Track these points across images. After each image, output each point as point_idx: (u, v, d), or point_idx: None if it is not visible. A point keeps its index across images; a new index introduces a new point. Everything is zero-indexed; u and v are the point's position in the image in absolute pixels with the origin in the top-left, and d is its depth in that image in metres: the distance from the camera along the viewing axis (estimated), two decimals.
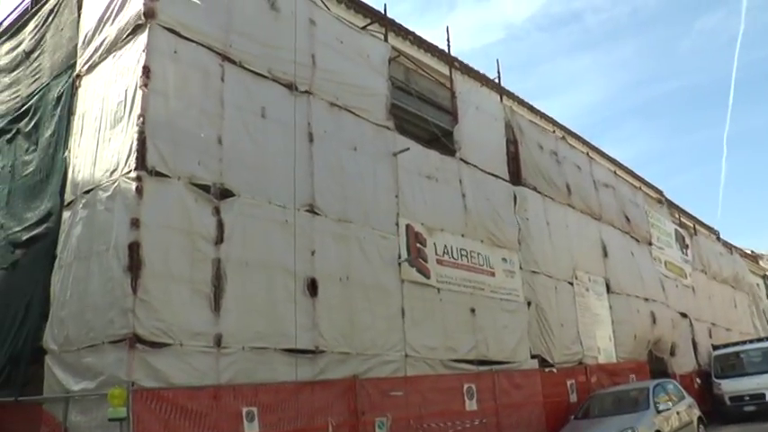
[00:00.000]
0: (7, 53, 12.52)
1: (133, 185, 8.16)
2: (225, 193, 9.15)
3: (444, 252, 12.99)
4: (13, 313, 9.37)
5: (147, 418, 7.10)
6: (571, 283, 17.02)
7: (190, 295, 8.32)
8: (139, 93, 8.52)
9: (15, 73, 12.10)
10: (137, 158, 8.25)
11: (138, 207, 8.06)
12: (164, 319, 7.92)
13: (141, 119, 8.37)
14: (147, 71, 8.58)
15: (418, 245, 12.35)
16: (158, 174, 8.40)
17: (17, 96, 11.75)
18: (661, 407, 13.09)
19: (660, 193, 28.79)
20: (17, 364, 8.92)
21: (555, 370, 14.87)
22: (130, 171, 8.27)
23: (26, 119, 11.05)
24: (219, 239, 8.88)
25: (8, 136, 11.40)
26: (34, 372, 8.63)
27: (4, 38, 12.85)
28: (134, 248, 7.87)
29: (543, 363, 14.73)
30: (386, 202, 11.96)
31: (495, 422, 12.21)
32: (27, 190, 10.30)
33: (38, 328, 8.77)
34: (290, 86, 10.64)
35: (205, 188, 8.94)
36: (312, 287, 9.92)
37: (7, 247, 10.19)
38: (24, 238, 9.89)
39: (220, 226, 8.93)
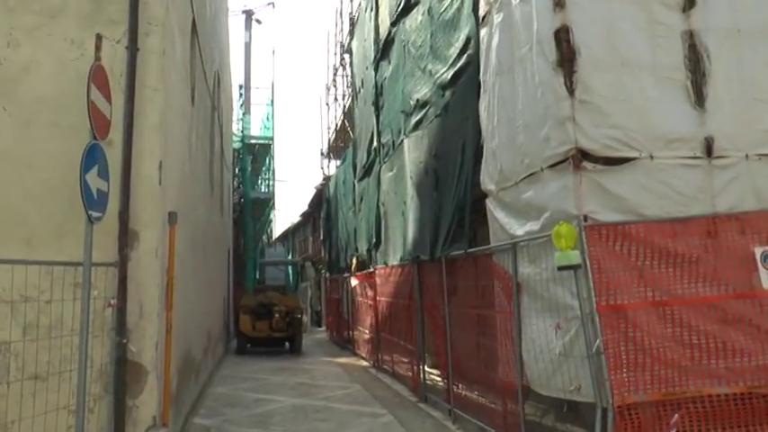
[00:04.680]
0: None
1: None
2: None
3: None
4: (453, 160, 8.28)
5: (611, 265, 4.95)
6: None
7: (655, 87, 5.78)
8: None
9: None
10: None
11: None
12: (619, 123, 5.57)
13: None
14: None
15: None
16: None
17: None
18: None
19: None
20: (463, 214, 7.79)
21: None
22: None
23: None
24: (690, 3, 6.00)
25: None
26: (481, 219, 7.34)
27: None
28: (561, 36, 5.73)
29: None
30: None
31: None
32: (445, 26, 9.02)
33: (474, 169, 7.42)
34: None
35: None
36: None
37: (438, 92, 9.20)
38: (450, 76, 8.70)
39: None
